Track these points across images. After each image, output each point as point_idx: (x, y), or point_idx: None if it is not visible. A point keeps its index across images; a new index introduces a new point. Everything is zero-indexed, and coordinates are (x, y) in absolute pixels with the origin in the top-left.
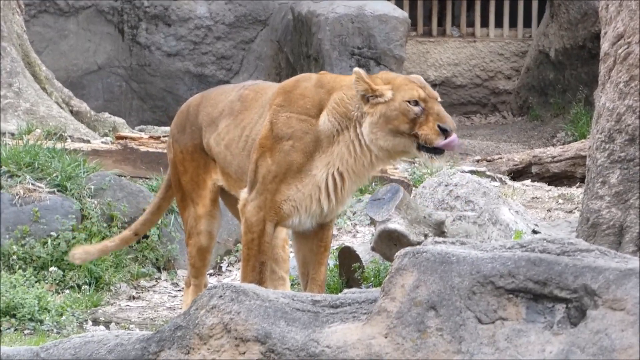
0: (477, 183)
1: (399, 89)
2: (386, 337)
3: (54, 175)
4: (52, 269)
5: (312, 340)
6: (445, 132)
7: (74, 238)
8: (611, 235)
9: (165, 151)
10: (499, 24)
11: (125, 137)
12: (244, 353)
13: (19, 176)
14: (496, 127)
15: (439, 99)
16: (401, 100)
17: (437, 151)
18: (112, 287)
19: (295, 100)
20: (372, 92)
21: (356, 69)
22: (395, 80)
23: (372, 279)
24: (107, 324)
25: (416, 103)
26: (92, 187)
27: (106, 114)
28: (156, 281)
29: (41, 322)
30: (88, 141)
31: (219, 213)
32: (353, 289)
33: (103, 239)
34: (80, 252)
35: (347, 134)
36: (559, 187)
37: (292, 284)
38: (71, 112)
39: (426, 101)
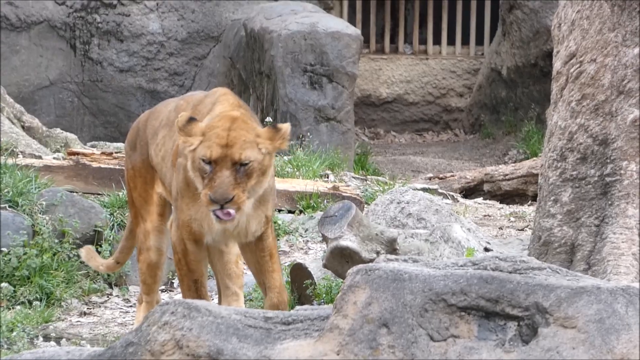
0: (429, 201)
1: (204, 141)
2: (338, 354)
3: (5, 191)
4: (3, 284)
5: (263, 357)
6: (214, 202)
7: (25, 254)
8: (563, 253)
9: (117, 167)
10: (451, 41)
11: (77, 153)
12: None
13: None
14: (448, 145)
15: (245, 161)
16: (198, 155)
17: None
18: (63, 303)
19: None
20: (183, 141)
21: (181, 115)
22: (210, 130)
23: (324, 296)
24: (58, 340)
25: (208, 162)
26: (44, 203)
27: (58, 130)
28: (107, 297)
29: None
30: (40, 157)
31: (167, 228)
32: (305, 306)
33: (54, 255)
34: (85, 252)
35: None
36: (510, 205)
37: (246, 300)
38: (23, 127)
39: (217, 163)
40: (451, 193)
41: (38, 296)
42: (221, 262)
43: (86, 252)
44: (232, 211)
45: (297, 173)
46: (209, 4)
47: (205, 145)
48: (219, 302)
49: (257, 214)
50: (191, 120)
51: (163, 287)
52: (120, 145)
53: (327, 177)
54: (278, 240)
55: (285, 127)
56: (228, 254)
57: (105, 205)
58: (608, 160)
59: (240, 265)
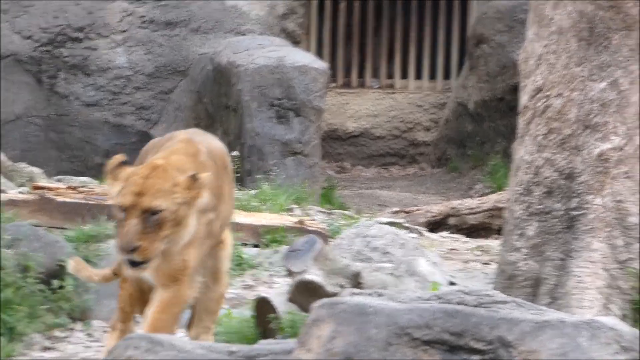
0: (394, 234)
1: (123, 188)
2: None
3: None
4: None
5: None
6: (120, 250)
7: None
8: (528, 287)
9: (82, 201)
10: (418, 75)
11: (43, 187)
12: None
13: None
14: (414, 179)
15: (155, 210)
16: (115, 201)
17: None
18: (25, 338)
19: None
20: (108, 185)
21: (117, 156)
22: (131, 177)
23: (289, 329)
24: None
25: (123, 209)
26: (8, 237)
27: (23, 164)
28: (70, 332)
29: None
30: (4, 191)
31: None
32: (269, 340)
33: (18, 289)
34: (75, 263)
35: None
36: (476, 239)
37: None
38: None
39: (128, 211)
40: (417, 227)
41: (0, 331)
42: (206, 295)
43: (76, 264)
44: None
45: (263, 207)
46: (176, 38)
47: (121, 192)
48: (189, 328)
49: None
50: (121, 164)
51: None
52: (86, 179)
53: (293, 211)
54: (243, 274)
55: (203, 177)
56: (214, 292)
57: (70, 240)
58: (574, 195)
59: (221, 304)
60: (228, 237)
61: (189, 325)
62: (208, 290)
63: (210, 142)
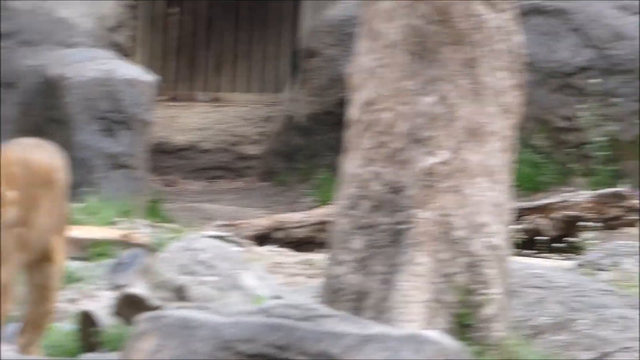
0: (220, 248)
1: None
2: None
3: None
4: None
5: None
6: None
7: None
8: (353, 301)
9: None
10: (248, 88)
11: None
12: None
13: None
14: (242, 192)
15: None
16: None
17: None
18: None
19: None
20: None
21: None
22: None
23: (113, 343)
24: None
25: None
26: None
27: None
28: None
29: None
30: None
31: None
32: (92, 354)
33: None
34: None
35: None
36: (302, 253)
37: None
38: None
39: None
40: (243, 240)
41: None
42: (34, 311)
43: None
44: None
45: (88, 220)
46: (4, 50)
47: None
48: (18, 339)
49: None
50: None
51: None
52: None
53: (119, 224)
54: (67, 288)
55: (7, 195)
56: (41, 308)
57: None
58: (400, 209)
59: (49, 320)
60: (60, 253)
61: (18, 336)
62: (36, 305)
63: (31, 154)
